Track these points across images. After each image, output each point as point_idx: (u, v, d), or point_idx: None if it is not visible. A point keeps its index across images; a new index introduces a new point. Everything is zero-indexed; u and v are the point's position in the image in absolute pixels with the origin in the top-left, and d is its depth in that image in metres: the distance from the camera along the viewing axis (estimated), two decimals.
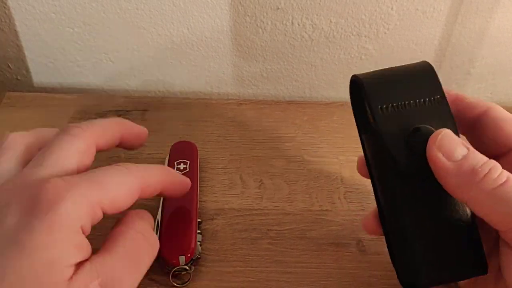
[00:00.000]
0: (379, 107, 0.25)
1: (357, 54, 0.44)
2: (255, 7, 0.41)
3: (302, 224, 0.33)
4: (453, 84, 0.46)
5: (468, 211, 0.24)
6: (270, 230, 0.32)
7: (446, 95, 0.26)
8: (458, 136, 0.25)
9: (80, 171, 0.25)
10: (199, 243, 0.30)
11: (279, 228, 0.32)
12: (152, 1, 0.41)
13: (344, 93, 0.47)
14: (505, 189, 0.22)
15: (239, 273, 0.30)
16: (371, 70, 0.28)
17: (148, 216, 0.27)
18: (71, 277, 0.22)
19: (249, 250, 0.31)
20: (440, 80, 0.26)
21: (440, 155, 0.23)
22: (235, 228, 0.32)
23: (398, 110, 0.25)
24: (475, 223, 0.24)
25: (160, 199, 0.32)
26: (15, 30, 0.42)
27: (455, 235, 0.24)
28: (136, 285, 0.24)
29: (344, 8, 0.41)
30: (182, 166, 0.34)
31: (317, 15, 0.41)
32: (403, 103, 0.25)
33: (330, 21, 0.42)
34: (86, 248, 0.23)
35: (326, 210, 0.34)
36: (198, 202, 0.32)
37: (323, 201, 0.34)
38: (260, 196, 0.34)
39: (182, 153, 0.35)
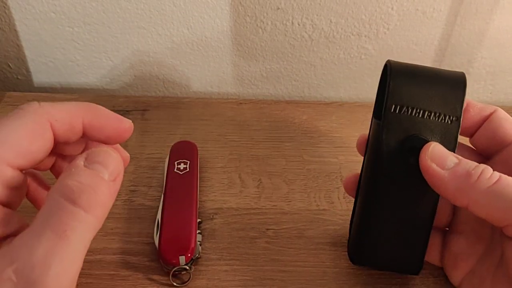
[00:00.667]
0: (394, 104, 0.26)
1: (357, 54, 0.44)
2: (255, 7, 0.41)
3: (300, 223, 0.33)
4: None
5: (428, 219, 0.27)
6: (268, 229, 0.32)
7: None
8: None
9: (30, 150, 0.21)
10: (199, 243, 0.30)
11: (277, 227, 0.32)
12: (152, 1, 0.41)
13: (343, 93, 0.47)
14: (500, 186, 0.23)
15: (236, 271, 0.30)
16: (407, 63, 0.28)
17: (97, 160, 0.21)
18: None
19: (246, 249, 0.31)
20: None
21: (433, 165, 0.24)
22: (233, 227, 0.32)
23: (410, 114, 0.26)
24: (429, 231, 0.27)
25: (160, 199, 0.32)
26: (15, 30, 0.42)
27: (406, 233, 0.27)
28: (73, 267, 0.19)
29: (344, 8, 0.41)
30: (182, 166, 0.34)
31: (317, 15, 0.41)
32: (418, 109, 0.26)
33: (330, 21, 0.42)
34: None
35: (324, 209, 0.34)
36: (198, 202, 0.32)
37: (321, 200, 0.34)
38: (258, 196, 0.35)
39: (182, 153, 0.35)
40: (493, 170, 0.24)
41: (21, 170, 0.22)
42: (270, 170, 0.37)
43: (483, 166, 0.24)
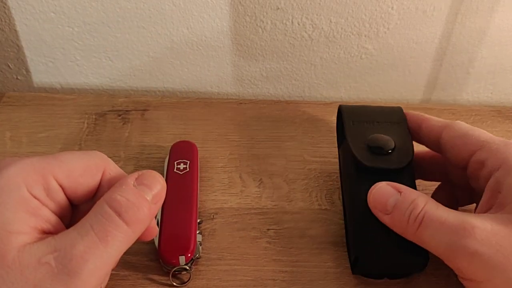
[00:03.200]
0: (351, 121, 0.32)
1: (357, 53, 0.44)
2: (255, 6, 0.41)
3: (301, 223, 0.33)
4: (453, 83, 0.46)
5: None
6: (269, 229, 0.32)
7: (409, 115, 0.32)
8: (412, 153, 0.30)
9: (77, 180, 0.24)
10: (199, 243, 0.30)
11: (278, 227, 0.32)
12: (152, 1, 0.41)
13: (343, 93, 0.47)
14: (423, 231, 0.25)
15: (236, 272, 0.30)
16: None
17: (145, 185, 0.24)
18: (24, 245, 0.21)
19: (247, 249, 0.31)
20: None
21: (377, 211, 0.27)
22: (233, 227, 0.32)
23: (365, 124, 0.32)
24: None
25: None
26: (15, 30, 0.42)
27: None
28: (105, 268, 0.22)
29: (344, 7, 0.41)
30: (182, 166, 0.34)
31: (317, 14, 0.41)
32: (370, 121, 0.32)
33: (330, 21, 0.42)
34: (45, 216, 0.22)
35: (325, 209, 0.34)
36: (198, 202, 0.32)
37: (322, 200, 0.34)
38: (259, 195, 0.34)
39: (182, 153, 0.35)
40: (424, 202, 0.25)
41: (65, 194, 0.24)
42: (271, 169, 0.37)
43: (414, 204, 0.25)
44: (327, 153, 0.38)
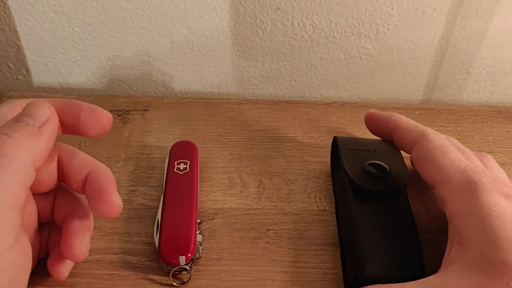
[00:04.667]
0: (346, 149, 0.33)
1: (357, 54, 0.44)
2: (255, 7, 0.41)
3: (300, 224, 0.33)
4: (453, 84, 0.46)
5: (411, 226, 0.29)
6: (269, 229, 0.32)
7: (380, 118, 0.34)
8: (408, 178, 0.30)
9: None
10: (199, 243, 0.30)
11: (277, 227, 0.32)
12: (152, 1, 0.41)
13: (343, 93, 0.47)
14: None
15: (236, 272, 0.30)
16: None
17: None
18: None
19: (247, 250, 0.31)
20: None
21: None
22: (233, 228, 0.32)
23: (360, 152, 0.33)
24: (417, 234, 0.29)
25: (160, 199, 0.32)
26: (15, 30, 0.42)
27: (396, 239, 0.28)
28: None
29: (344, 8, 0.41)
30: (182, 166, 0.34)
31: (317, 15, 0.41)
32: (365, 149, 0.33)
33: (330, 21, 0.42)
34: None
35: (324, 210, 0.34)
36: (198, 202, 0.32)
37: (321, 201, 0.34)
38: (259, 196, 0.35)
39: (182, 153, 0.35)
40: None
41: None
42: (270, 170, 0.37)
43: None
44: (327, 153, 0.38)
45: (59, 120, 0.26)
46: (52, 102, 0.26)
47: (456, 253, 0.25)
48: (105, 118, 0.26)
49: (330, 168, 0.37)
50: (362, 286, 0.26)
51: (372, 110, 0.36)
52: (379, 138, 0.36)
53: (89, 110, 0.26)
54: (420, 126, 0.31)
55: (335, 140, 0.35)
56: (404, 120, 0.32)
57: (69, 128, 0.26)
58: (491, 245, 0.23)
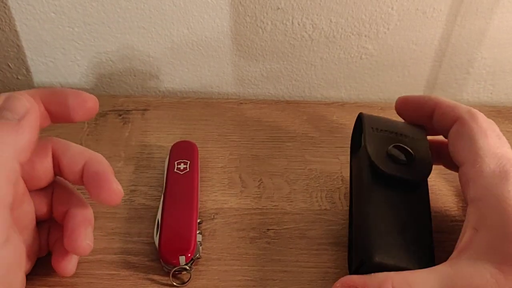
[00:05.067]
0: (371, 127, 0.31)
1: (357, 54, 0.44)
2: (255, 7, 0.41)
3: (301, 223, 0.33)
4: (453, 84, 0.46)
5: (427, 219, 0.28)
6: (269, 229, 0.32)
7: (423, 100, 0.31)
8: (431, 168, 0.29)
9: None
10: (199, 243, 0.30)
11: (278, 227, 0.32)
12: (152, 1, 0.41)
13: (344, 93, 0.47)
14: None
15: (236, 272, 0.30)
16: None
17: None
18: None
19: (247, 249, 0.31)
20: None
21: None
22: (233, 227, 0.32)
23: (385, 133, 0.31)
24: (431, 228, 0.28)
25: (160, 199, 0.32)
26: (15, 30, 0.42)
27: (410, 231, 0.27)
28: None
29: (344, 8, 0.41)
30: (182, 166, 0.34)
31: (317, 15, 0.41)
32: (391, 131, 0.31)
33: (330, 21, 0.42)
34: None
35: (325, 209, 0.34)
36: (198, 202, 0.32)
37: (322, 201, 0.34)
38: (259, 196, 0.34)
39: (182, 153, 0.35)
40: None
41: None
42: (271, 170, 0.37)
43: None
44: (328, 153, 0.38)
45: (46, 109, 0.25)
46: (36, 92, 0.25)
47: (469, 239, 0.25)
48: (90, 101, 0.26)
49: (331, 167, 0.37)
50: (368, 272, 0.26)
51: (404, 95, 0.33)
52: (407, 122, 0.33)
53: (75, 95, 0.26)
54: (465, 105, 0.30)
55: (359, 117, 0.33)
56: (446, 99, 0.31)
57: (56, 116, 0.26)
58: (507, 238, 0.23)
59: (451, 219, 0.33)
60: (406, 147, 0.30)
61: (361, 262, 0.27)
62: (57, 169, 0.27)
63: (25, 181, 0.25)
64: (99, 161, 0.27)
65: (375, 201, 0.28)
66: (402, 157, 0.29)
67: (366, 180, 0.29)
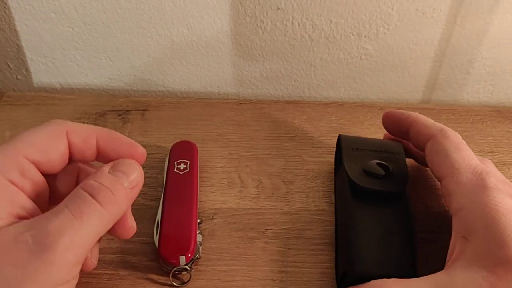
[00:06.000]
0: (349, 148, 0.33)
1: (357, 54, 0.44)
2: (255, 7, 0.41)
3: (298, 223, 0.33)
4: (453, 84, 0.46)
5: (408, 229, 0.29)
6: (267, 229, 0.32)
7: (401, 116, 0.33)
8: (407, 180, 0.31)
9: (46, 149, 0.24)
10: (199, 243, 0.30)
11: (276, 227, 0.32)
12: (152, 1, 0.41)
13: (343, 93, 0.47)
14: None
15: (235, 272, 0.30)
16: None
17: (118, 173, 0.25)
18: (0, 228, 0.21)
19: (245, 249, 0.31)
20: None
21: None
22: (232, 227, 0.32)
23: (362, 151, 0.33)
24: (413, 237, 0.29)
25: (160, 199, 0.32)
26: (15, 30, 0.42)
27: (390, 241, 0.28)
28: (81, 245, 0.22)
29: (344, 8, 0.41)
30: (182, 166, 0.34)
31: (317, 15, 0.41)
32: (368, 149, 0.33)
33: (330, 21, 0.42)
34: (21, 202, 0.23)
35: (322, 210, 0.34)
36: (198, 202, 0.33)
37: (320, 201, 0.34)
38: (258, 196, 0.35)
39: (182, 153, 0.35)
40: None
41: (41, 171, 0.25)
42: (269, 170, 0.37)
43: None
44: (326, 153, 0.38)
45: (100, 150, 0.26)
46: (96, 131, 0.26)
47: (461, 248, 0.25)
48: (142, 157, 0.27)
49: (328, 167, 0.37)
50: (352, 282, 0.27)
51: (389, 110, 0.35)
52: (384, 139, 0.36)
53: (129, 145, 0.27)
54: (439, 124, 0.31)
55: (339, 139, 0.35)
56: (423, 117, 0.32)
57: (105, 158, 0.27)
58: (497, 242, 0.23)
59: (451, 218, 0.33)
60: (382, 162, 0.32)
61: (343, 274, 0.28)
62: (74, 153, 0.27)
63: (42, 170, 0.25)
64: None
65: (357, 216, 0.29)
66: (379, 171, 0.31)
67: (347, 196, 0.31)
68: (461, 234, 0.26)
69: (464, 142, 0.30)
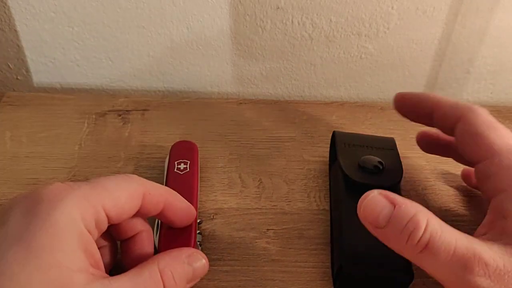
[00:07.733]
0: (343, 143, 0.34)
1: (357, 53, 0.44)
2: (255, 6, 0.41)
3: (300, 223, 0.33)
4: (453, 83, 0.46)
5: None
6: (269, 229, 0.32)
7: (420, 98, 0.32)
8: (401, 174, 0.31)
9: (123, 208, 0.25)
10: (199, 243, 0.30)
11: (277, 227, 0.32)
12: (152, 1, 0.41)
13: (343, 93, 0.47)
14: (426, 257, 0.23)
15: (236, 272, 0.30)
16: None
17: (180, 258, 0.26)
18: (85, 285, 0.21)
19: (247, 250, 0.31)
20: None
21: (368, 224, 0.25)
22: (233, 227, 0.32)
23: (357, 147, 0.33)
24: None
25: None
26: (15, 30, 0.42)
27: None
28: None
29: (344, 7, 0.41)
30: (182, 166, 0.34)
31: (317, 14, 0.41)
32: (362, 145, 0.34)
33: (330, 20, 0.42)
34: (96, 255, 0.23)
35: (324, 209, 0.34)
36: (198, 202, 0.32)
37: (321, 200, 0.34)
38: (259, 196, 0.35)
39: (182, 153, 0.35)
40: (426, 221, 0.23)
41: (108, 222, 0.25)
42: (270, 170, 0.37)
43: (414, 222, 0.23)
44: (326, 152, 0.38)
45: (161, 212, 0.27)
46: (165, 196, 0.27)
47: (501, 228, 0.25)
48: (193, 215, 0.29)
49: (328, 164, 0.37)
50: (346, 279, 0.27)
51: (402, 92, 0.33)
52: (378, 135, 0.36)
53: (187, 212, 0.28)
54: (465, 103, 0.29)
55: (333, 135, 0.35)
56: (445, 97, 0.30)
57: (162, 219, 0.28)
58: None
59: (451, 218, 0.33)
60: (376, 157, 0.32)
61: (337, 271, 0.28)
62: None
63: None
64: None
65: (350, 211, 0.29)
66: (373, 166, 0.32)
67: (341, 191, 0.31)
68: (501, 215, 0.25)
69: (495, 119, 0.28)
